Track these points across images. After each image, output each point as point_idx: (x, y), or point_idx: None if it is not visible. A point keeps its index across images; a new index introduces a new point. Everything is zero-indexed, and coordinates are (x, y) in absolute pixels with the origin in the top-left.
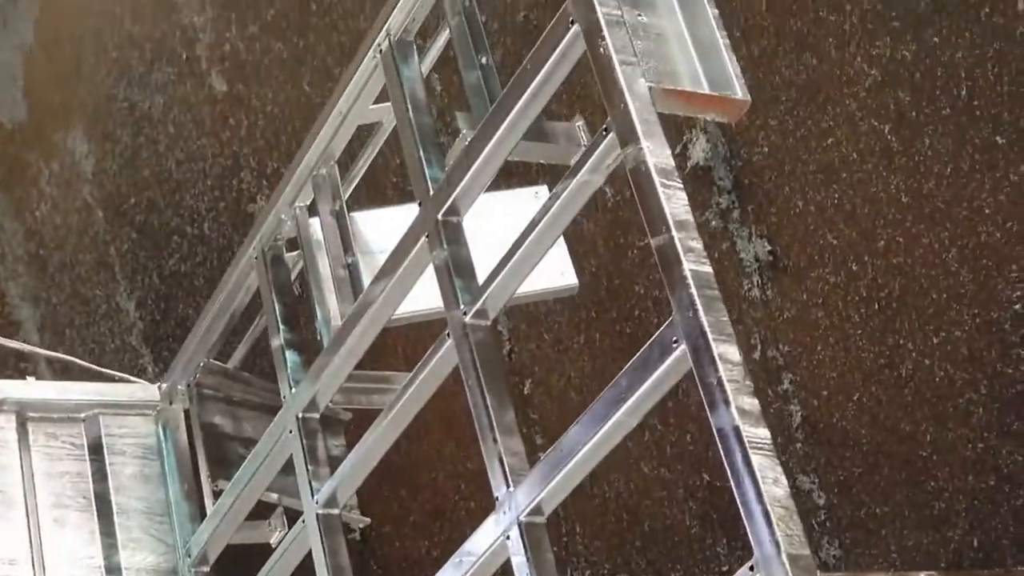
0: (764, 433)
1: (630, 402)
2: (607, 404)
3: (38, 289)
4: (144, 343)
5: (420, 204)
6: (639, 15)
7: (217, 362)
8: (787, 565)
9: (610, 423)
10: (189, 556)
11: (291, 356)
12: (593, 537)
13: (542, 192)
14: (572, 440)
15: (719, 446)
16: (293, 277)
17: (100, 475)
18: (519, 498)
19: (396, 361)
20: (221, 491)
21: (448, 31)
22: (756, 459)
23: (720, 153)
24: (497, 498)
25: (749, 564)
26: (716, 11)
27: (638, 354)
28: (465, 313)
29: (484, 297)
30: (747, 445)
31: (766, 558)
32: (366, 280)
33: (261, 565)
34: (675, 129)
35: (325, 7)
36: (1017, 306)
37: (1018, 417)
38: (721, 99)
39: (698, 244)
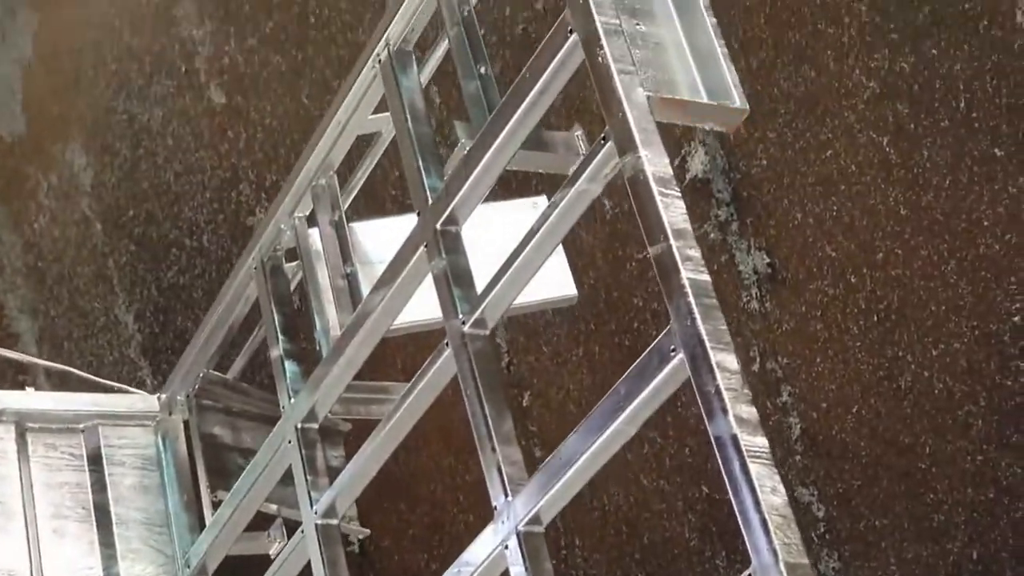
0: (762, 442)
1: (628, 411)
2: (605, 413)
3: (36, 301)
4: (143, 355)
5: (419, 214)
6: (637, 24)
7: (216, 373)
8: (785, 573)
9: (608, 432)
10: (188, 567)
11: (290, 366)
12: (592, 550)
13: (540, 202)
14: (570, 449)
15: (717, 455)
16: (292, 288)
17: (99, 486)
18: (517, 507)
19: (395, 373)
20: (220, 502)
21: (447, 41)
22: (754, 468)
23: (719, 165)
24: (495, 507)
25: (747, 572)
26: (714, 20)
27: (636, 363)
28: (464, 322)
29: (483, 306)
30: (745, 454)
31: (764, 566)
32: (365, 290)
33: None
34: (674, 142)
35: (324, 20)
36: (1016, 318)
37: (1017, 429)
38: (719, 108)
39: (696, 253)
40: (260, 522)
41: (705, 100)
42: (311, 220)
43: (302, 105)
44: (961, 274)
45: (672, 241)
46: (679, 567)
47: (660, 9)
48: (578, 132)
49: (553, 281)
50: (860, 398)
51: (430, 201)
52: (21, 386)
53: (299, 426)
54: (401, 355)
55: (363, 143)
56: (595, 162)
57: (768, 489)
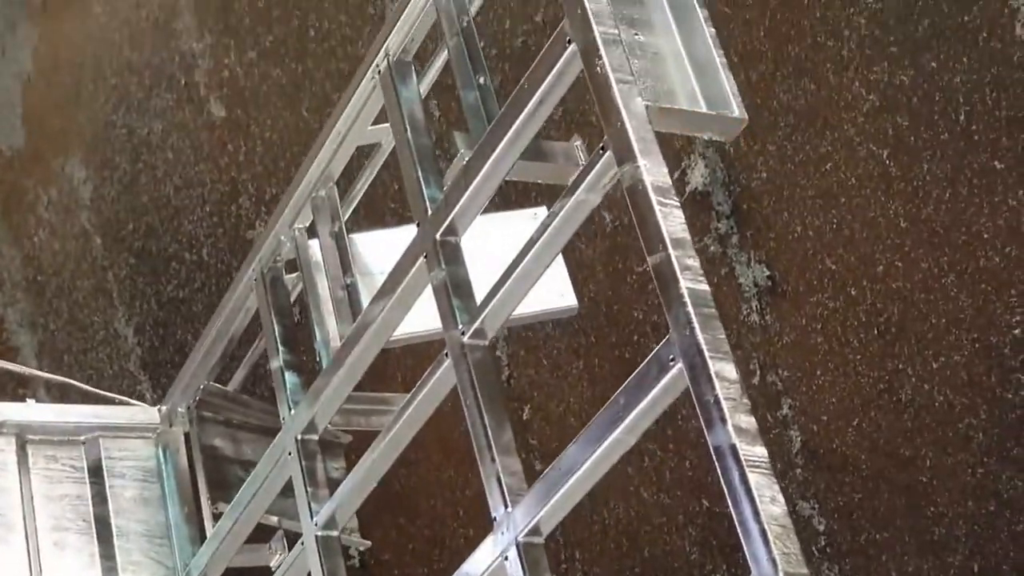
0: (761, 451)
1: (627, 420)
2: (604, 423)
3: (36, 315)
4: (142, 369)
5: (418, 225)
6: (636, 34)
7: (217, 385)
8: None
9: (608, 442)
10: None
11: (290, 378)
12: (592, 563)
13: (540, 213)
14: (570, 459)
15: (716, 464)
16: (292, 299)
17: (100, 498)
18: (517, 518)
19: (395, 387)
20: (221, 513)
21: (446, 52)
22: (753, 477)
23: (719, 178)
24: (495, 518)
25: None
26: (713, 30)
27: (635, 372)
28: (463, 333)
29: (482, 317)
30: (744, 463)
31: None
32: (365, 301)
33: None
34: (674, 154)
35: (323, 33)
36: (1016, 331)
37: (1018, 442)
38: (718, 118)
39: (695, 262)
40: (261, 534)
41: (704, 110)
42: (311, 231)
43: (302, 118)
44: (961, 287)
45: (671, 250)
46: None
47: (659, 19)
48: (577, 142)
49: (553, 291)
50: (861, 411)
51: (429, 212)
52: (22, 399)
53: (299, 437)
54: (401, 369)
55: (363, 155)
56: (594, 172)
57: (767, 499)
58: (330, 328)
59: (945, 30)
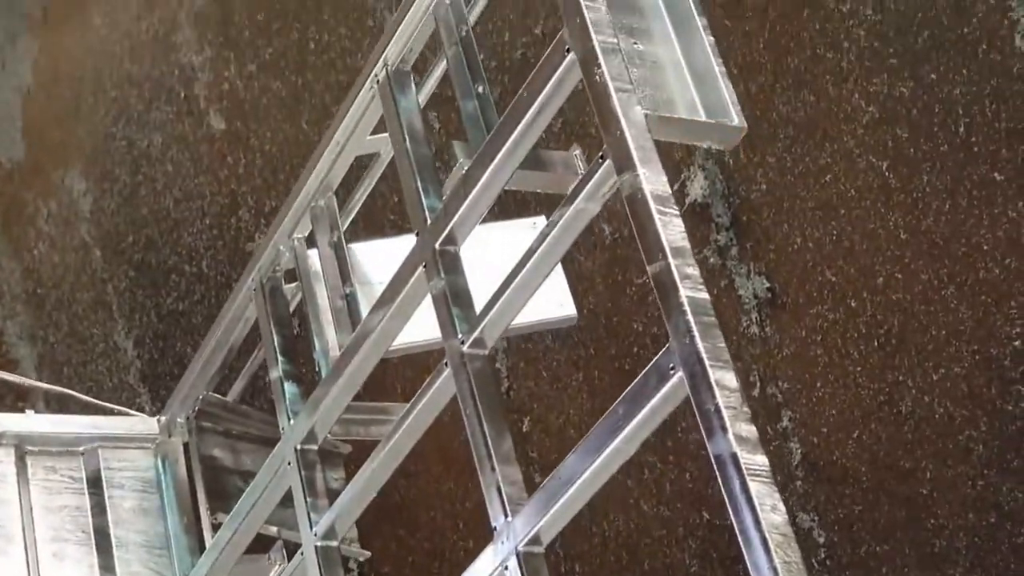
0: (762, 460)
1: (627, 430)
2: (604, 432)
3: (36, 327)
4: (142, 381)
5: (417, 234)
6: (635, 43)
7: (216, 395)
8: None
9: (608, 451)
10: None
11: (289, 387)
12: None
13: (540, 222)
14: (570, 469)
15: (716, 473)
16: (291, 309)
17: (99, 509)
18: (517, 528)
19: (395, 399)
20: (220, 524)
21: (445, 62)
22: (754, 486)
23: (718, 190)
24: (495, 528)
25: None
26: (712, 39)
27: (635, 382)
28: (463, 342)
29: (482, 326)
30: (745, 472)
31: None
32: (364, 310)
33: None
34: (673, 166)
35: (323, 46)
36: (1016, 342)
37: (1018, 454)
38: (717, 126)
39: (695, 271)
40: (260, 545)
41: (703, 118)
42: (310, 241)
43: (302, 131)
44: (961, 298)
45: (670, 259)
46: None
47: (658, 28)
48: (576, 151)
49: (553, 301)
50: (861, 423)
51: (429, 221)
52: (21, 412)
53: (298, 447)
54: (400, 380)
55: (361, 166)
56: (593, 181)
57: (768, 507)
58: (329, 338)
59: (944, 42)
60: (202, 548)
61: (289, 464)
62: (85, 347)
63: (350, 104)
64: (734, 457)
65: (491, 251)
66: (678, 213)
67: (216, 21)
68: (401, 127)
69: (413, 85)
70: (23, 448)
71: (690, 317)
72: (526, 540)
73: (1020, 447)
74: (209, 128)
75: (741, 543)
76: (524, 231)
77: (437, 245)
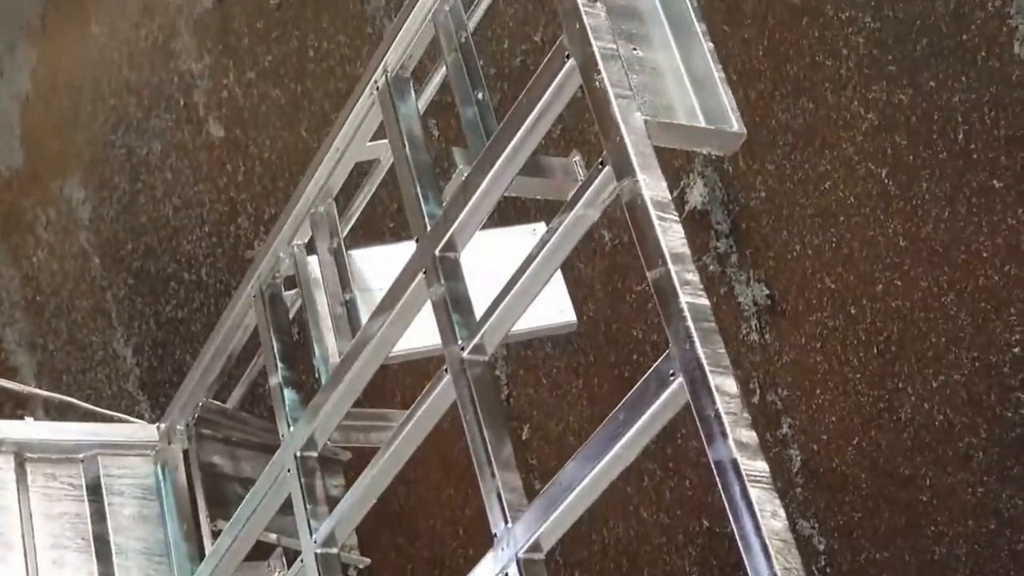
0: (762, 466)
1: (627, 436)
2: (604, 438)
3: (35, 335)
4: (141, 389)
5: (417, 240)
6: (634, 49)
7: (216, 402)
8: None
9: (608, 457)
10: None
11: (289, 394)
12: None
13: (539, 229)
14: (570, 475)
15: (716, 480)
16: (291, 316)
17: (99, 516)
18: (517, 534)
19: (394, 406)
20: (220, 531)
21: (444, 68)
22: (754, 492)
23: (718, 197)
24: (495, 534)
25: None
26: (711, 45)
27: (635, 387)
28: (463, 348)
29: (482, 332)
30: (745, 478)
31: None
32: (364, 317)
33: None
34: (672, 173)
35: (322, 54)
36: (1016, 349)
37: (1018, 461)
38: (717, 132)
39: (694, 277)
40: (260, 551)
41: (703, 124)
42: (310, 248)
43: (301, 138)
44: (961, 305)
45: (670, 265)
46: None
47: (657, 34)
48: (576, 158)
49: (552, 307)
50: (860, 430)
51: (429, 227)
52: (20, 419)
53: (298, 454)
54: (400, 387)
55: (360, 173)
56: (593, 187)
57: (768, 513)
58: (329, 344)
59: (943, 49)
60: (202, 555)
61: (289, 471)
62: (84, 354)
63: (350, 110)
64: (734, 463)
65: (491, 257)
66: (678, 219)
67: (215, 29)
68: (401, 133)
69: (413, 91)
70: (23, 455)
71: (690, 323)
72: (526, 547)
73: (1020, 454)
74: (208, 135)
75: (741, 549)
76: (524, 237)
77: (437, 251)
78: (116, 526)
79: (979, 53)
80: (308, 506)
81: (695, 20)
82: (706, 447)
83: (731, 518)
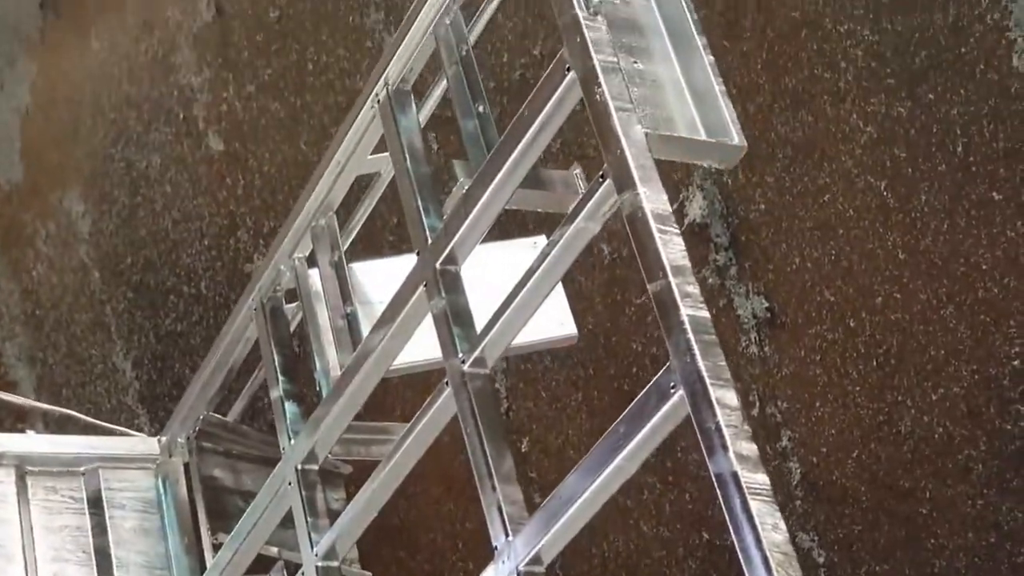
0: (763, 479)
1: (628, 448)
2: (605, 451)
3: (34, 349)
4: (140, 403)
5: (418, 253)
6: (635, 62)
7: (216, 415)
8: None
9: (608, 470)
10: None
11: (290, 407)
12: None
13: (540, 242)
14: (571, 488)
15: (717, 492)
16: (292, 329)
17: (100, 529)
18: (518, 547)
19: (394, 420)
20: (221, 544)
21: (445, 81)
22: (755, 505)
23: (717, 210)
24: (496, 547)
25: None
26: (712, 59)
27: (636, 400)
28: (463, 361)
29: (482, 345)
30: (746, 491)
31: None
32: (365, 330)
33: None
34: (672, 186)
35: (321, 67)
36: (1016, 362)
37: (1018, 473)
38: (717, 145)
39: (695, 289)
40: (261, 565)
41: (703, 137)
42: (311, 261)
43: (300, 152)
44: (960, 318)
45: (671, 278)
46: None
47: (658, 47)
48: (577, 171)
49: (553, 320)
50: (860, 443)
51: (429, 240)
52: (20, 433)
53: (299, 467)
54: (400, 402)
55: (360, 187)
56: (593, 200)
57: (769, 526)
58: (330, 357)
59: (942, 62)
60: (203, 568)
61: (290, 484)
62: (84, 368)
63: (350, 124)
64: (735, 476)
65: (491, 271)
66: (678, 232)
67: (215, 42)
68: (402, 146)
69: (414, 105)
70: (24, 468)
71: (691, 335)
72: (527, 560)
73: (1019, 467)
74: (208, 149)
75: (742, 562)
76: (524, 251)
77: (438, 264)
78: (117, 539)
79: (978, 66)
80: (309, 519)
81: (695, 33)
82: (707, 460)
83: (732, 531)
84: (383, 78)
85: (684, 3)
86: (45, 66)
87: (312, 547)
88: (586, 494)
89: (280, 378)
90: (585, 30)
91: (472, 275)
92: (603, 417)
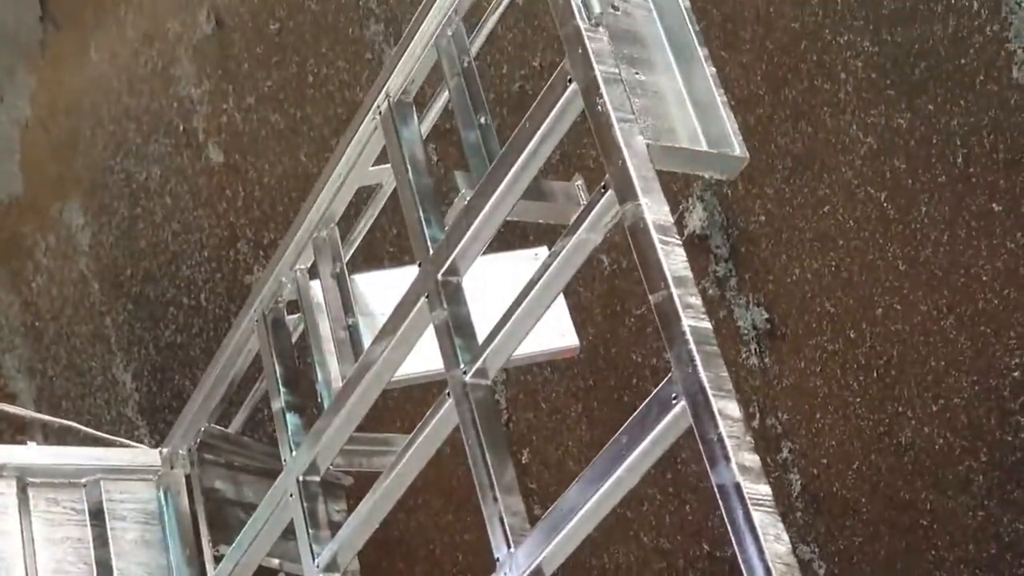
0: (765, 490)
1: (630, 459)
2: (607, 462)
3: (34, 361)
4: (140, 415)
5: (420, 264)
6: (636, 73)
7: (218, 427)
8: None
9: (610, 481)
10: None
11: (291, 419)
12: None
13: (541, 253)
14: (572, 499)
15: (720, 503)
16: (294, 340)
17: (101, 540)
18: (519, 559)
19: (396, 433)
20: (222, 556)
21: (446, 93)
22: (757, 516)
23: (716, 221)
24: (497, 559)
25: None
26: (713, 70)
27: (638, 411)
28: (465, 372)
29: (484, 356)
30: (748, 502)
31: None
32: (367, 341)
33: None
34: (671, 198)
35: (321, 79)
36: (1016, 373)
37: (1018, 485)
38: (719, 156)
39: (697, 300)
40: None
41: (705, 148)
42: (312, 272)
43: (300, 163)
44: (960, 329)
45: (673, 289)
46: None
47: (659, 58)
48: (579, 182)
49: (555, 331)
50: (860, 454)
51: (431, 252)
52: (21, 445)
53: (300, 479)
54: (401, 414)
55: (360, 200)
56: (595, 211)
57: (772, 537)
58: (332, 369)
59: (942, 73)
60: None
61: (291, 496)
62: (83, 380)
63: (352, 135)
64: (737, 487)
65: (493, 282)
66: (680, 243)
67: (215, 54)
68: (403, 158)
69: (415, 116)
70: (25, 480)
71: (692, 346)
72: (528, 571)
73: (1020, 478)
74: (208, 161)
75: (744, 573)
76: (526, 262)
77: (439, 276)
78: (118, 551)
79: (977, 77)
80: (310, 531)
81: (697, 44)
82: (709, 471)
83: (734, 542)
84: (384, 90)
85: (686, 14)
86: (45, 78)
87: (313, 559)
88: (588, 505)
89: (282, 390)
90: (587, 41)
91: (474, 286)
92: (603, 428)
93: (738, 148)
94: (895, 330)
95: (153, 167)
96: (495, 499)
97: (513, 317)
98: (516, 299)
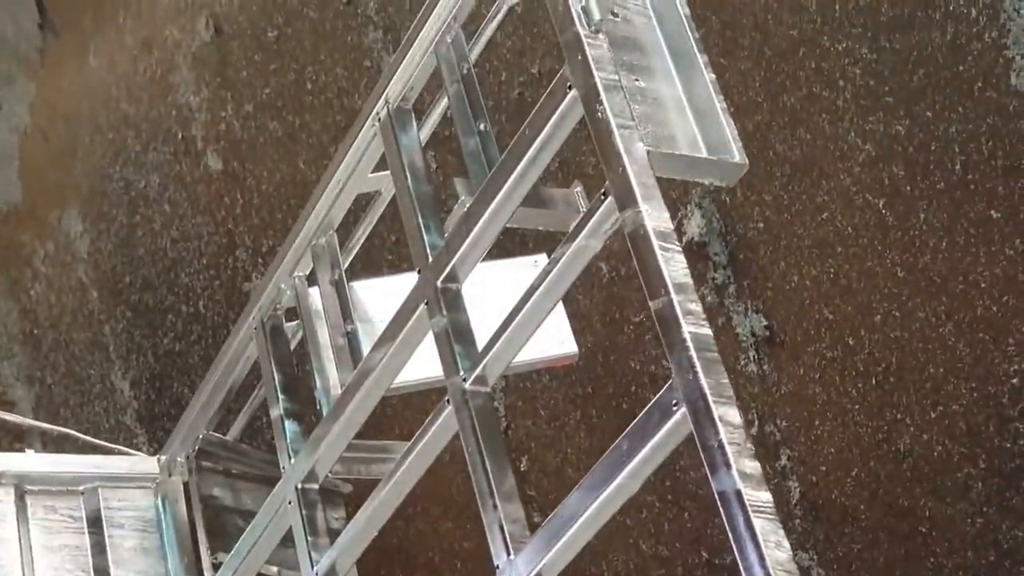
0: (766, 496)
1: (631, 466)
2: (607, 469)
3: (33, 368)
4: (139, 422)
5: (419, 271)
6: (636, 80)
7: (216, 434)
8: None
9: (611, 488)
10: None
11: (290, 426)
12: None
13: (541, 260)
14: (573, 506)
15: (720, 510)
16: (292, 347)
17: (99, 548)
18: (520, 566)
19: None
20: (220, 564)
21: (446, 100)
22: (758, 523)
23: (715, 228)
24: (497, 566)
25: None
26: (713, 76)
27: (638, 418)
28: (464, 379)
29: (483, 363)
30: (749, 509)
31: None
32: (365, 348)
33: None
34: (670, 205)
35: (320, 86)
36: (1015, 380)
37: (1017, 492)
38: (719, 163)
39: (697, 307)
40: None
41: (705, 155)
42: (311, 279)
43: (299, 171)
44: (959, 336)
45: (673, 295)
46: None
47: (659, 65)
48: (578, 189)
49: (554, 339)
50: (859, 461)
51: (430, 258)
52: (19, 452)
53: (299, 486)
54: (399, 422)
55: (359, 207)
56: (595, 218)
57: (773, 544)
58: (330, 376)
59: (940, 80)
60: None
61: (290, 503)
62: (82, 388)
63: (351, 142)
64: (738, 494)
65: (492, 289)
66: (680, 249)
67: (213, 62)
68: (403, 165)
69: (414, 123)
70: (23, 487)
71: (693, 353)
72: None
73: (1019, 485)
74: (206, 168)
75: None
76: (525, 269)
77: (439, 283)
78: (116, 559)
79: (976, 84)
80: (309, 538)
81: (697, 51)
82: (709, 478)
83: (735, 549)
84: (384, 96)
85: (685, 21)
86: (44, 86)
87: (312, 566)
88: (588, 512)
89: (280, 397)
90: (587, 48)
91: (473, 293)
92: (602, 435)
93: (738, 155)
94: (894, 337)
95: (152, 174)
96: (495, 506)
97: (512, 324)
98: (515, 306)
